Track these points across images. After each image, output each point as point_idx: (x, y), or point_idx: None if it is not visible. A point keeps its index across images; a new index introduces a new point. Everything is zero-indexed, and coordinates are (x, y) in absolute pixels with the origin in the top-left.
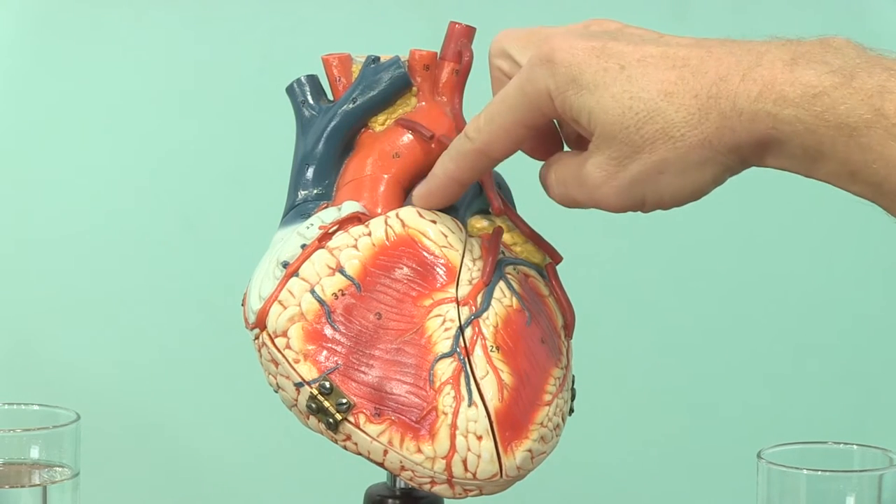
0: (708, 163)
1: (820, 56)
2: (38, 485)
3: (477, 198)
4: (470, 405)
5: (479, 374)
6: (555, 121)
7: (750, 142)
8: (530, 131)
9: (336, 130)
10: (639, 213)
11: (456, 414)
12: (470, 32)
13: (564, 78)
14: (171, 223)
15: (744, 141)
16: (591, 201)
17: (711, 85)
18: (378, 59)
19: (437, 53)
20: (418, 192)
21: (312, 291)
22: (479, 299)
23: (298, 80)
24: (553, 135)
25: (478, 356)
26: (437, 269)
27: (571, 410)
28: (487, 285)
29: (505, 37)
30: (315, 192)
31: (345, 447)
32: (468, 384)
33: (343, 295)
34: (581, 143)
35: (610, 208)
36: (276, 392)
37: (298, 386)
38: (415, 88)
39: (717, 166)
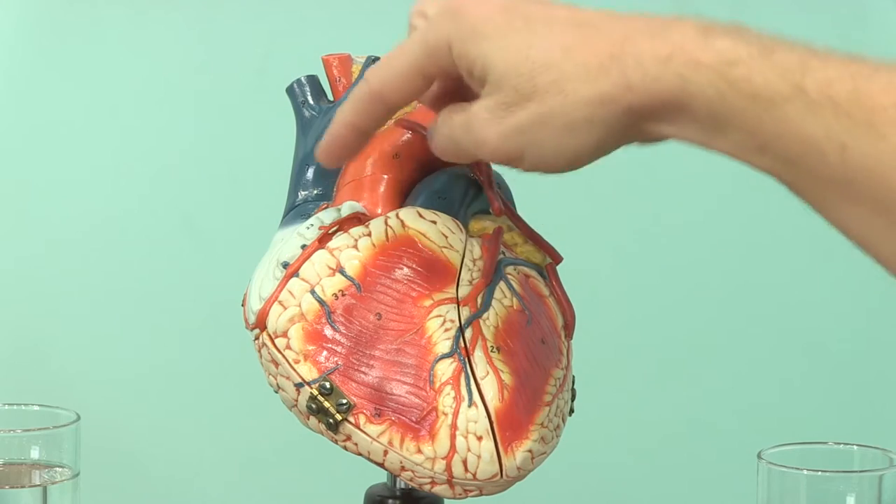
0: (595, 121)
1: (735, 31)
2: (38, 485)
3: (477, 198)
4: (470, 405)
5: (479, 375)
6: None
7: (649, 103)
8: (426, 81)
9: None
10: (639, 213)
11: (456, 414)
12: None
13: (467, 28)
14: (171, 223)
15: (643, 102)
16: (472, 145)
17: (615, 44)
18: (378, 59)
19: None
20: (319, 146)
21: (312, 292)
22: (479, 300)
23: (298, 81)
24: (456, 94)
25: (478, 356)
26: (438, 270)
27: (572, 411)
28: (488, 285)
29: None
30: (315, 192)
31: (345, 447)
32: (468, 384)
33: (343, 295)
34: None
35: (489, 154)
36: (277, 392)
37: (298, 386)
38: None
39: (604, 128)
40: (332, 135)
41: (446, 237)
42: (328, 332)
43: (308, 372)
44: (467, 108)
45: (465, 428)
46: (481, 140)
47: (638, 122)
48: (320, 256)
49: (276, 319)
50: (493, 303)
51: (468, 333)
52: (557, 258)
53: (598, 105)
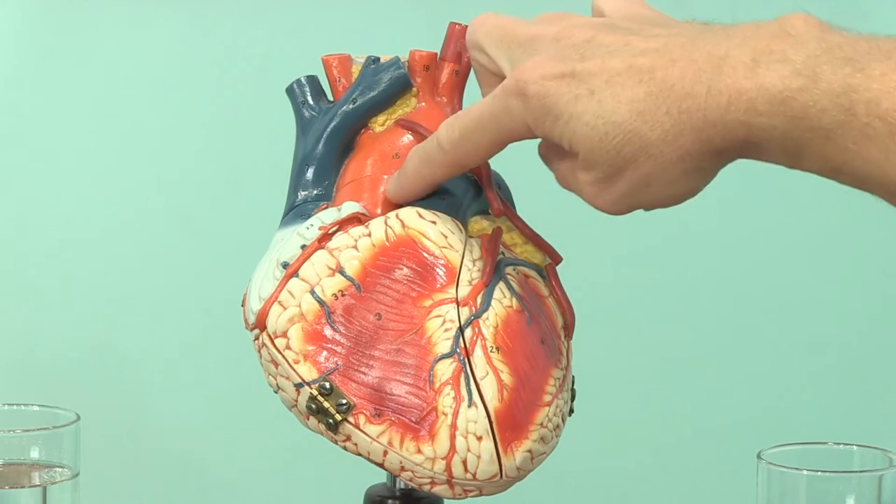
0: (692, 171)
1: (781, 52)
2: (38, 485)
3: (477, 199)
4: (470, 406)
5: (478, 375)
6: None
7: (730, 148)
8: (504, 147)
9: (336, 131)
10: (639, 212)
11: (456, 414)
12: None
13: (539, 111)
14: (170, 223)
15: (723, 148)
16: (590, 204)
17: (681, 100)
18: (378, 59)
19: (437, 54)
20: (392, 187)
21: (312, 292)
22: (478, 300)
23: (298, 81)
24: None
25: (478, 357)
26: (437, 270)
27: (571, 411)
28: (487, 286)
29: (478, 30)
30: (315, 192)
31: (345, 448)
32: (468, 385)
33: (343, 295)
34: None
35: (610, 213)
36: (276, 393)
37: (298, 386)
38: (415, 89)
39: (702, 171)
40: (409, 185)
41: (446, 237)
42: (328, 332)
43: (308, 372)
44: (573, 173)
45: (465, 428)
46: (597, 206)
47: (730, 157)
48: (320, 256)
49: (275, 319)
50: (493, 303)
51: (468, 334)
52: (557, 258)
53: (689, 160)
